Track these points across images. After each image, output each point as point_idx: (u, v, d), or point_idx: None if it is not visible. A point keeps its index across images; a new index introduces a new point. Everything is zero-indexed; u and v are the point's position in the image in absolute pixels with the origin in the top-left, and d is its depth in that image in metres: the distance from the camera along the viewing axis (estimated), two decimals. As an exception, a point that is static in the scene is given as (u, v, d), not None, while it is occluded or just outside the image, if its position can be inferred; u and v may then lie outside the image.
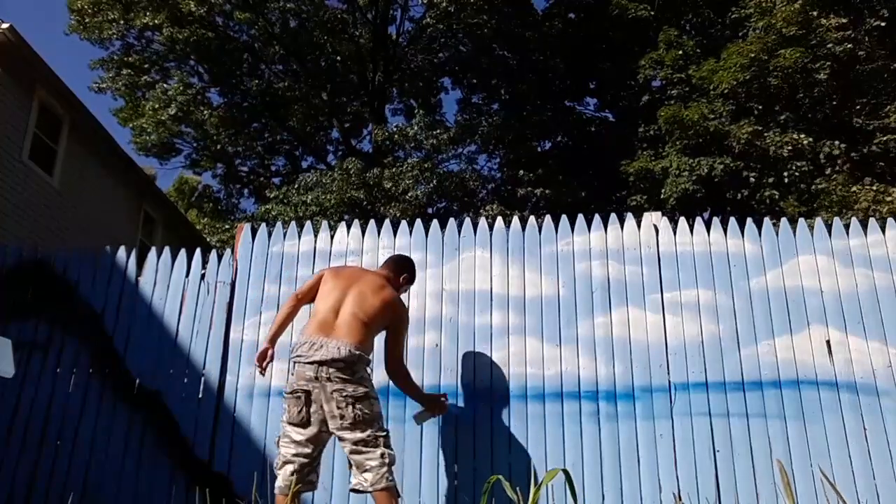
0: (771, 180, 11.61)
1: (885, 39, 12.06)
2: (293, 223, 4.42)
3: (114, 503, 3.78)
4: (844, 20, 11.92)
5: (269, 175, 19.32)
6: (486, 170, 17.08)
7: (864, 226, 3.98)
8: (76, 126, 10.29)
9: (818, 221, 4.04)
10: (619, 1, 14.53)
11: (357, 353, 3.19)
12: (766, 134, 11.70)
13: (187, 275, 4.28)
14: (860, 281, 3.81)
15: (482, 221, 4.41)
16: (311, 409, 3.17)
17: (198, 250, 4.36)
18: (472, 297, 4.01)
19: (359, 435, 3.10)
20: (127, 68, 16.70)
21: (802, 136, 11.53)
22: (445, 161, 15.97)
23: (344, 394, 3.11)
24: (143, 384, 4.03)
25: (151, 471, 3.84)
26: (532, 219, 4.23)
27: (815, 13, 11.99)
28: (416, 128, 14.96)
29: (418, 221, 4.30)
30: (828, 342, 3.70)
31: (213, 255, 4.34)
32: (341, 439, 3.16)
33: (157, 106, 16.04)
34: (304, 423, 3.18)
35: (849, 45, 11.74)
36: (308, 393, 3.17)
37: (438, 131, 15.01)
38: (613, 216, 4.15)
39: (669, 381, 3.71)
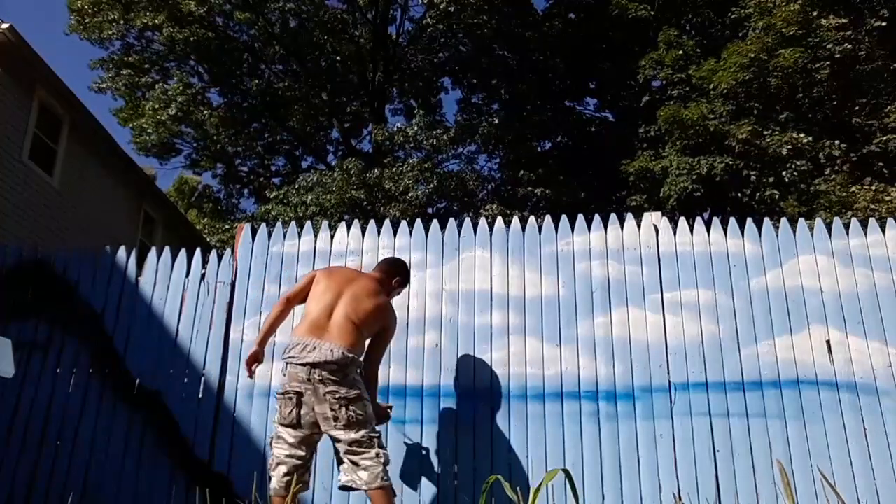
0: (771, 180, 11.61)
1: (885, 39, 12.06)
2: (293, 223, 4.42)
3: (114, 503, 3.78)
4: (844, 20, 11.92)
5: (269, 175, 19.32)
6: (486, 170, 17.11)
7: (864, 226, 3.99)
8: (76, 126, 10.28)
9: (818, 221, 4.04)
10: (619, 1, 14.53)
11: (350, 355, 3.19)
12: (765, 133, 11.71)
13: (187, 275, 4.28)
14: (860, 281, 3.81)
15: (482, 221, 4.41)
16: (302, 412, 3.17)
17: (198, 250, 4.36)
18: (472, 297, 4.01)
19: (353, 435, 3.10)
20: (127, 68, 16.70)
21: (802, 135, 11.53)
22: (445, 161, 15.98)
23: (337, 395, 3.12)
24: (143, 384, 4.03)
25: (151, 471, 3.84)
26: (532, 219, 4.23)
27: (814, 13, 11.99)
28: (416, 128, 14.96)
29: (418, 221, 4.30)
30: (828, 342, 3.70)
31: (213, 255, 4.34)
32: (336, 440, 3.16)
33: (157, 106, 16.03)
34: (294, 425, 3.18)
35: (848, 46, 11.74)
36: (300, 395, 3.17)
37: (438, 131, 15.00)
38: (613, 216, 4.15)
39: (669, 381, 3.71)
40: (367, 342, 3.42)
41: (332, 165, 16.53)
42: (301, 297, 3.51)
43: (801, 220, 4.16)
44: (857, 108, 12.05)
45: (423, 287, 4.06)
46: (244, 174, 19.22)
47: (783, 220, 4.08)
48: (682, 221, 4.08)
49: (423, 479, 3.66)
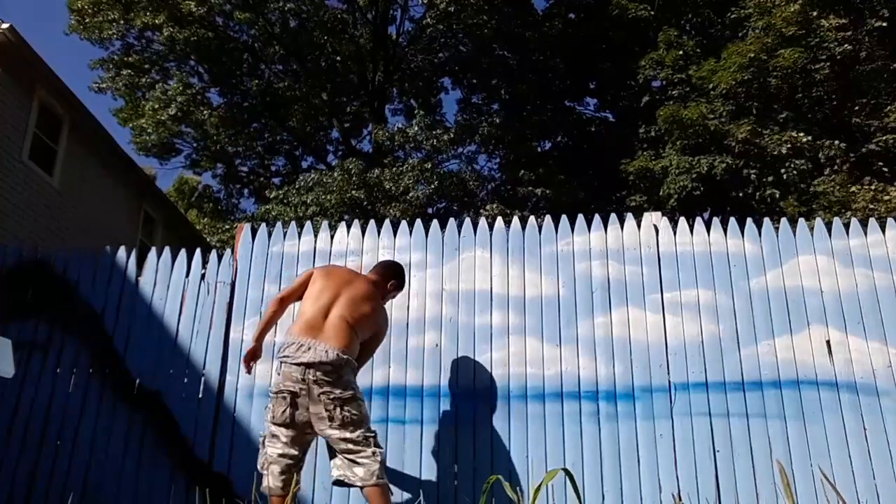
0: (770, 179, 11.61)
1: (885, 40, 12.06)
2: (293, 223, 4.42)
3: (114, 503, 3.78)
4: (844, 20, 11.92)
5: (269, 175, 19.32)
6: (486, 170, 17.10)
7: (864, 226, 3.99)
8: (76, 126, 10.28)
9: (818, 221, 4.04)
10: (619, 1, 14.53)
11: (345, 357, 3.20)
12: (764, 133, 11.71)
13: (187, 275, 4.28)
14: (860, 281, 3.81)
15: (482, 221, 4.41)
16: (296, 412, 3.17)
17: (198, 250, 4.36)
18: (472, 297, 4.01)
19: (348, 435, 3.11)
20: (127, 68, 16.70)
21: (801, 134, 11.53)
22: (445, 161, 15.98)
23: (332, 396, 3.12)
24: (143, 384, 4.03)
25: (151, 471, 3.84)
26: (532, 219, 4.23)
27: (814, 13, 11.99)
28: (416, 128, 14.96)
29: (418, 221, 4.30)
30: (828, 342, 3.70)
31: (213, 255, 4.34)
32: (330, 439, 3.16)
33: (157, 106, 16.04)
34: (287, 424, 3.19)
35: (848, 46, 11.74)
36: (294, 395, 3.17)
37: (438, 131, 15.00)
38: (613, 216, 4.16)
39: (669, 381, 3.71)
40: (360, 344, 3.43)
41: (332, 165, 16.53)
42: (298, 294, 3.51)
43: (801, 220, 4.17)
44: (856, 107, 12.05)
45: (423, 287, 4.06)
46: (244, 174, 19.23)
47: (783, 220, 4.08)
48: (682, 221, 4.08)
49: (424, 480, 3.66)
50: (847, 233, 3.95)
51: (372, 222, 4.34)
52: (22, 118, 9.25)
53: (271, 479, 3.14)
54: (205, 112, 16.78)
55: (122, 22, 16.17)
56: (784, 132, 11.65)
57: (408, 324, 3.98)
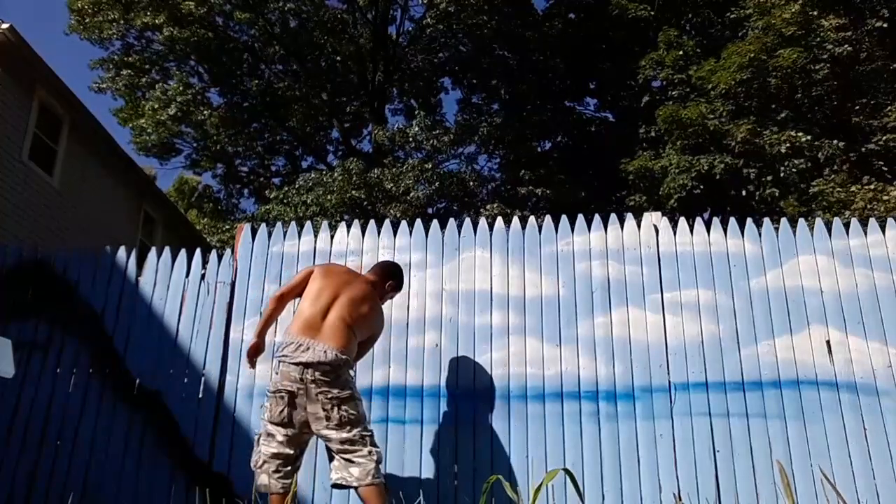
0: (770, 178, 11.61)
1: (885, 40, 12.05)
2: (293, 223, 4.42)
3: (114, 503, 3.78)
4: (844, 20, 11.91)
5: (269, 175, 19.32)
6: (486, 170, 17.11)
7: (864, 226, 3.99)
8: (76, 126, 10.28)
9: (818, 221, 4.04)
10: (619, 1, 14.53)
11: (343, 357, 3.20)
12: (763, 133, 11.71)
13: (187, 275, 4.28)
14: (860, 281, 3.81)
15: (482, 221, 4.41)
16: (294, 411, 3.18)
17: (198, 250, 4.36)
18: (472, 297, 4.01)
19: (345, 434, 3.11)
20: (127, 68, 16.70)
21: (801, 134, 11.53)
22: (446, 161, 15.99)
23: (329, 395, 3.12)
24: (143, 384, 4.03)
25: (151, 471, 3.84)
26: (532, 219, 4.24)
27: (814, 13, 11.99)
28: (416, 128, 14.96)
29: (418, 221, 4.30)
30: (828, 342, 3.70)
31: (213, 255, 4.34)
32: (327, 439, 3.16)
33: (157, 106, 16.04)
34: (284, 424, 3.19)
35: (848, 46, 11.73)
36: (292, 394, 3.18)
37: (439, 132, 15.00)
38: (613, 216, 4.16)
39: (669, 381, 3.71)
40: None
41: (332, 165, 16.54)
42: (297, 291, 3.51)
43: (801, 220, 4.17)
44: (856, 107, 12.05)
45: (423, 287, 4.06)
46: (244, 174, 19.23)
47: (783, 220, 4.09)
48: (682, 221, 4.08)
49: (423, 479, 3.66)
50: (847, 233, 3.95)
51: (372, 222, 4.34)
52: (22, 118, 9.25)
53: (267, 478, 3.14)
54: (205, 112, 16.78)
55: (122, 22, 16.18)
56: (784, 132, 11.64)
57: (408, 324, 3.98)
